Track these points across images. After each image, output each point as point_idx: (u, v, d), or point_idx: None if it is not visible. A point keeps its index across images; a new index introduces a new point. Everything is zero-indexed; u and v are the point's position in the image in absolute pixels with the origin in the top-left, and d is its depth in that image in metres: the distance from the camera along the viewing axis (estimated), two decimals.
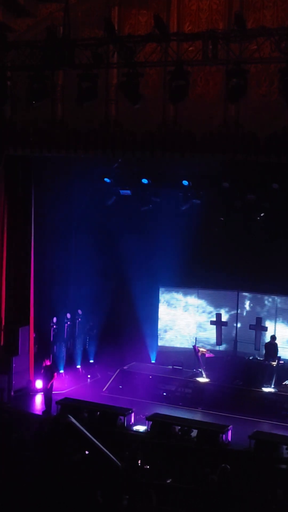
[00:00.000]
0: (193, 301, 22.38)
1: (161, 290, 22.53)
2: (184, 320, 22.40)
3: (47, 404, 18.00)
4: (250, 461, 15.05)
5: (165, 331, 22.55)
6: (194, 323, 22.24)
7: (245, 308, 21.87)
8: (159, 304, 22.54)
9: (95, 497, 10.50)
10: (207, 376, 19.70)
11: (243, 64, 13.56)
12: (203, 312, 22.24)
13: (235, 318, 21.84)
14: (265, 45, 13.47)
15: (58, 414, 16.95)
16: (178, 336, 22.33)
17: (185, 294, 22.49)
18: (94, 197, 21.62)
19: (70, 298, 22.80)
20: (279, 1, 15.65)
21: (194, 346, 20.52)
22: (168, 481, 12.74)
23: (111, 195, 21.28)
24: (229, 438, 16.13)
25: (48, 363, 18.61)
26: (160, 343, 22.41)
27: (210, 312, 22.04)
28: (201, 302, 22.29)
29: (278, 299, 21.27)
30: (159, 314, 22.53)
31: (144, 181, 20.30)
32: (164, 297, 22.61)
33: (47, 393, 18.14)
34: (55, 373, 18.60)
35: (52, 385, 18.20)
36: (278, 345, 19.96)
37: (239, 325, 21.78)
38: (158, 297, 22.55)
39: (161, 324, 22.54)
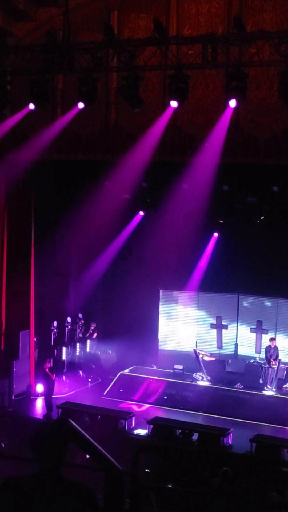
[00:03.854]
0: (194, 304, 22.35)
1: (161, 293, 22.50)
2: (184, 324, 22.36)
3: (48, 407, 18.01)
4: (251, 465, 15.02)
5: (166, 334, 22.51)
6: (194, 327, 22.21)
7: (245, 311, 21.84)
8: (159, 308, 22.52)
9: (96, 501, 10.48)
10: (208, 380, 19.69)
11: (243, 67, 13.58)
12: (203, 315, 22.21)
13: (236, 321, 21.83)
14: (264, 48, 13.49)
15: (58, 418, 16.91)
16: (178, 339, 22.29)
17: (185, 297, 22.45)
18: (94, 200, 21.62)
19: (70, 301, 22.80)
20: (278, 4, 15.65)
21: (194, 350, 20.51)
22: (169, 485, 12.71)
23: (111, 198, 21.27)
24: (230, 442, 16.12)
25: (49, 365, 18.56)
26: (160, 346, 22.39)
27: (210, 315, 22.02)
28: (202, 305, 22.26)
29: (279, 301, 21.25)
30: (159, 318, 22.51)
31: (145, 184, 20.31)
32: (164, 300, 22.58)
33: (48, 395, 18.14)
34: (54, 375, 18.55)
35: (53, 386, 18.23)
36: (279, 348, 19.94)
37: (239, 328, 21.76)
38: (158, 300, 22.53)
39: (161, 328, 22.51)
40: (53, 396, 18.37)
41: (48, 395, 18.20)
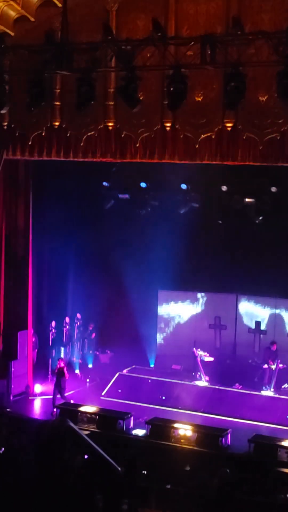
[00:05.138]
0: (192, 304, 22.35)
1: (160, 293, 22.51)
2: (182, 324, 22.37)
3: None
4: (250, 465, 15.03)
5: (164, 334, 22.52)
6: (193, 327, 22.21)
7: (244, 311, 21.84)
8: (158, 308, 22.52)
9: (94, 501, 10.48)
10: (206, 380, 19.70)
11: (242, 67, 13.56)
12: (202, 315, 22.21)
13: (234, 321, 21.83)
14: (263, 49, 13.46)
15: (57, 418, 16.93)
16: (177, 340, 22.28)
17: (183, 298, 22.46)
18: (93, 201, 21.65)
19: (69, 302, 22.80)
20: (277, 5, 15.63)
21: (193, 350, 20.51)
22: (168, 486, 12.72)
23: (109, 198, 21.31)
24: (229, 442, 16.11)
25: (62, 364, 18.63)
26: (159, 346, 22.39)
27: (209, 316, 22.02)
28: (200, 306, 22.27)
29: (277, 302, 21.25)
30: (157, 318, 22.52)
31: (143, 184, 20.31)
32: (163, 300, 22.58)
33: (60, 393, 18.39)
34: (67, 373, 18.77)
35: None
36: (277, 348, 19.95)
37: (238, 328, 21.76)
38: (157, 301, 22.54)
39: (160, 328, 22.53)
40: (51, 396, 18.45)
41: (62, 393, 18.40)
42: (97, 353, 22.64)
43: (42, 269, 21.14)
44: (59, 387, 18.34)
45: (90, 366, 22.21)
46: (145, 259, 21.81)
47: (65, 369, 18.49)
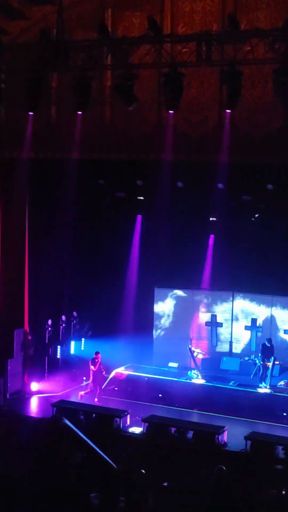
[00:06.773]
0: (188, 302, 22.35)
1: (156, 291, 22.49)
2: (179, 322, 22.37)
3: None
4: (246, 462, 15.06)
5: (161, 332, 22.52)
6: (189, 324, 22.21)
7: (240, 308, 21.85)
8: (155, 305, 22.52)
9: (91, 499, 10.49)
10: (203, 377, 19.71)
11: (237, 65, 13.58)
12: (198, 313, 22.21)
13: (230, 319, 21.85)
14: (259, 46, 13.49)
15: (53, 416, 16.92)
16: (173, 338, 22.28)
17: (180, 295, 22.45)
18: (89, 199, 21.62)
19: (65, 300, 22.78)
20: (273, 2, 15.67)
21: (189, 348, 20.52)
22: (165, 483, 12.73)
23: (105, 196, 21.29)
24: (225, 439, 16.14)
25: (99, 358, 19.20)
26: (155, 344, 22.38)
27: (205, 313, 22.03)
28: (196, 303, 22.27)
29: (273, 299, 21.26)
30: (154, 316, 22.52)
31: (139, 182, 20.30)
32: (160, 298, 22.57)
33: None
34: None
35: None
36: (274, 345, 19.96)
37: (234, 325, 21.78)
38: (154, 299, 22.52)
39: (156, 325, 22.52)
40: (48, 395, 18.47)
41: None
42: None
43: (38, 268, 21.11)
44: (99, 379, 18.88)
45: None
46: (141, 257, 21.81)
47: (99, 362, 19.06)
